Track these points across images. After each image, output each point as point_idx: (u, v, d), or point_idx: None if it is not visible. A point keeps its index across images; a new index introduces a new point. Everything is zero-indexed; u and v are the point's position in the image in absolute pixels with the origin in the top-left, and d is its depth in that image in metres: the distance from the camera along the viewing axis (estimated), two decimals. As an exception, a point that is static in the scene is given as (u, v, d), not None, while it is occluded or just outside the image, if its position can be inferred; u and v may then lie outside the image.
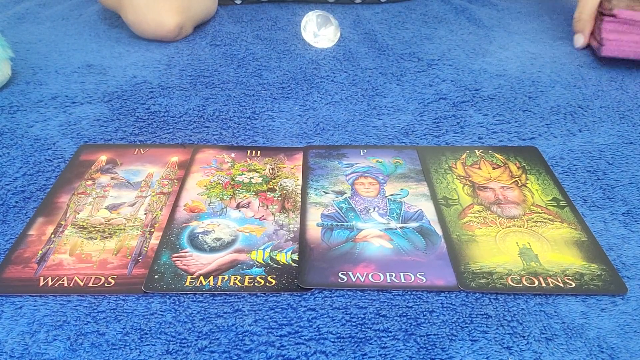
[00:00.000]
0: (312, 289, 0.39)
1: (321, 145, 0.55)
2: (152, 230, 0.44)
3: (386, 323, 0.36)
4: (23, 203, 0.47)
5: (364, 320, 0.37)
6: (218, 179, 0.50)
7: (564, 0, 0.96)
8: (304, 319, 0.37)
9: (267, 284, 0.39)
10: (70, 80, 0.67)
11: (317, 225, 0.44)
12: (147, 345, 0.35)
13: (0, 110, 0.61)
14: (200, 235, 0.43)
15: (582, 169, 0.52)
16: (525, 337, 0.36)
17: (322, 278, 0.39)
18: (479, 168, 0.52)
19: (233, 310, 0.37)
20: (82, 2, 0.92)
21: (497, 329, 0.36)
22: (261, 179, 0.50)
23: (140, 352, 0.34)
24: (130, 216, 0.46)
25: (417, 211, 0.46)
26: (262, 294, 0.39)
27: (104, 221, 0.45)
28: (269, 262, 0.41)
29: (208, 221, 0.45)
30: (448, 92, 0.65)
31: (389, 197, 0.48)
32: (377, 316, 0.37)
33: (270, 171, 0.51)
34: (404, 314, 0.37)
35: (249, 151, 0.54)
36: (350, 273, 0.40)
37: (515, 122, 0.60)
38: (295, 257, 0.41)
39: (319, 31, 0.75)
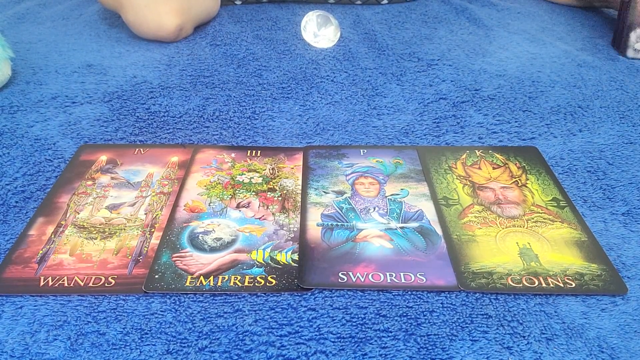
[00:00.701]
0: (312, 289, 0.39)
1: (321, 145, 0.55)
2: (153, 230, 0.44)
3: (386, 323, 0.36)
4: (23, 203, 0.47)
5: (364, 320, 0.37)
6: (218, 179, 0.50)
7: (564, 1, 0.96)
8: (304, 319, 0.37)
9: (268, 284, 0.39)
10: (70, 80, 0.67)
11: (317, 225, 0.44)
12: (148, 345, 0.35)
13: (0, 110, 0.61)
14: (200, 235, 0.43)
15: (582, 169, 0.52)
16: (526, 337, 0.36)
17: (322, 278, 0.39)
18: (479, 168, 0.52)
19: (233, 310, 0.37)
20: (82, 2, 0.92)
21: (497, 329, 0.36)
22: (261, 179, 0.50)
23: (140, 352, 0.34)
24: (131, 216, 0.46)
25: (417, 211, 0.46)
26: (263, 294, 0.39)
27: (104, 221, 0.45)
28: (269, 262, 0.41)
29: (208, 221, 0.45)
30: (448, 92, 0.65)
31: (389, 197, 0.48)
32: (378, 316, 0.37)
33: (271, 171, 0.51)
34: (404, 314, 0.37)
35: (249, 151, 0.54)
36: (350, 273, 0.40)
37: (516, 122, 0.60)
38: (296, 257, 0.41)
39: (319, 31, 0.75)
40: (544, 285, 0.39)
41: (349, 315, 0.37)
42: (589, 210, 0.47)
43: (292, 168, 0.51)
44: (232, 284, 0.39)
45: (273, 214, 0.46)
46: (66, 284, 0.39)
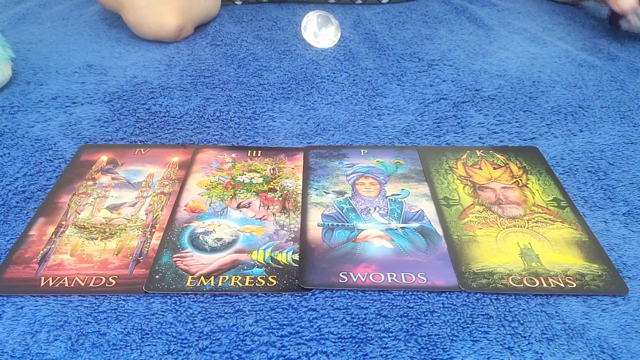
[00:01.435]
0: (313, 289, 0.39)
1: (322, 146, 0.55)
2: (153, 230, 0.44)
3: (387, 323, 0.36)
4: (24, 203, 0.47)
5: (365, 320, 0.37)
6: (219, 179, 0.50)
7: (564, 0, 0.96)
8: (304, 319, 0.37)
9: (268, 284, 0.39)
10: (70, 80, 0.67)
11: (318, 225, 0.44)
12: (148, 345, 0.35)
13: (1, 110, 0.61)
14: (201, 235, 0.43)
15: (583, 169, 0.52)
16: (527, 338, 0.36)
17: (323, 278, 0.39)
18: (480, 168, 0.52)
19: (234, 310, 0.37)
20: (83, 3, 0.92)
21: (498, 329, 0.36)
22: (262, 179, 0.50)
23: (141, 352, 0.34)
24: (131, 216, 0.46)
25: (418, 211, 0.46)
26: (263, 294, 0.39)
27: (105, 221, 0.45)
28: (270, 262, 0.41)
29: (209, 221, 0.45)
30: (449, 93, 0.65)
31: (390, 198, 0.48)
32: (378, 316, 0.37)
33: (271, 171, 0.51)
34: (405, 314, 0.37)
35: (249, 151, 0.54)
36: (351, 273, 0.40)
37: (516, 122, 0.60)
38: (296, 257, 0.41)
39: (319, 31, 0.75)
40: (544, 285, 0.39)
41: (349, 315, 0.37)
42: (590, 211, 0.47)
43: (293, 168, 0.51)
44: (232, 284, 0.39)
45: (274, 214, 0.46)
46: (67, 285, 0.39)
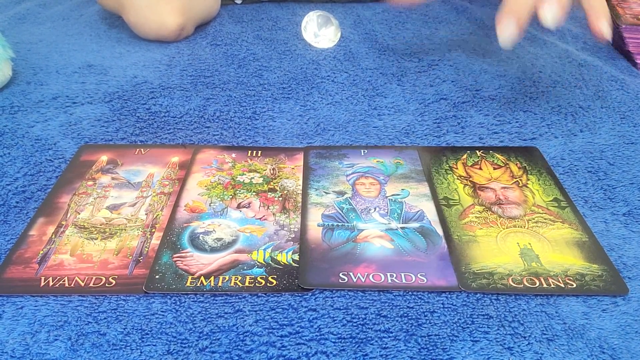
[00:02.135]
0: (313, 289, 0.39)
1: (322, 146, 0.55)
2: (153, 230, 0.44)
3: (387, 323, 0.36)
4: (24, 203, 0.47)
5: (365, 320, 0.37)
6: (219, 179, 0.50)
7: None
8: (304, 320, 0.37)
9: (268, 284, 0.39)
10: (71, 80, 0.67)
11: (318, 225, 0.44)
12: (148, 345, 0.35)
13: (1, 110, 0.61)
14: (201, 235, 0.43)
15: (583, 170, 0.52)
16: (527, 338, 0.36)
17: (323, 278, 0.39)
18: (480, 168, 0.52)
19: (234, 310, 0.37)
20: (83, 2, 0.92)
21: (498, 329, 0.36)
22: (262, 179, 0.50)
23: (141, 352, 0.34)
24: (131, 216, 0.46)
25: (418, 211, 0.46)
26: (263, 294, 0.39)
27: (105, 221, 0.45)
28: (270, 262, 0.41)
29: (209, 221, 0.45)
30: (449, 93, 0.65)
31: (390, 198, 0.48)
32: (378, 316, 0.37)
33: (271, 171, 0.51)
34: (405, 315, 0.37)
35: (249, 151, 0.54)
36: (351, 273, 0.40)
37: (516, 122, 0.60)
38: (296, 257, 0.41)
39: (319, 31, 0.75)
40: (544, 285, 0.39)
41: (349, 315, 0.37)
42: (590, 211, 0.47)
43: (293, 168, 0.51)
44: (232, 284, 0.39)
45: (274, 214, 0.46)
46: (67, 285, 0.39)
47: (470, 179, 0.50)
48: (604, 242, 0.44)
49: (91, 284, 0.39)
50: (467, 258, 0.41)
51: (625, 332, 0.36)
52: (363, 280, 0.39)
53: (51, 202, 0.47)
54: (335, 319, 0.37)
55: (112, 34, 0.80)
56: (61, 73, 0.69)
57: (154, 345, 0.35)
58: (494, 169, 0.52)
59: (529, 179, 0.50)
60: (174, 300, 0.38)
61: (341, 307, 0.38)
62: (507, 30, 0.53)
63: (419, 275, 0.40)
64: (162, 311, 0.37)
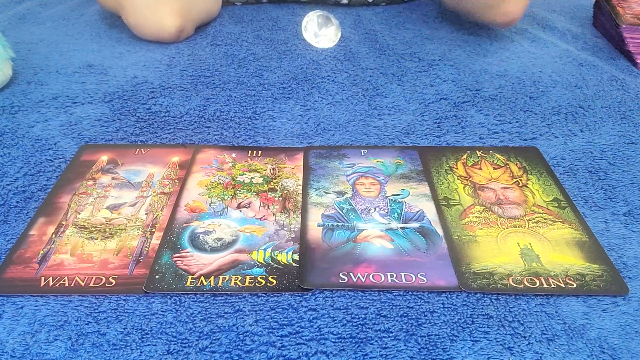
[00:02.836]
0: (313, 289, 0.39)
1: (322, 146, 0.55)
2: (153, 230, 0.44)
3: (387, 323, 0.36)
4: (24, 203, 0.47)
5: (365, 320, 0.37)
6: (219, 179, 0.50)
7: (564, 0, 0.96)
8: (304, 319, 0.37)
9: (268, 284, 0.39)
10: (71, 80, 0.67)
11: (318, 225, 0.44)
12: (148, 345, 0.35)
13: (1, 110, 0.61)
14: (201, 235, 0.43)
15: (583, 169, 0.52)
16: (527, 338, 0.36)
17: (323, 278, 0.39)
18: (480, 168, 0.52)
19: (234, 310, 0.37)
20: (83, 2, 0.92)
21: (498, 329, 0.36)
22: (262, 179, 0.50)
23: (141, 352, 0.34)
24: (131, 216, 0.46)
25: (418, 211, 0.46)
26: (263, 294, 0.39)
27: (105, 221, 0.45)
28: (270, 262, 0.41)
29: (209, 221, 0.45)
30: (449, 92, 0.65)
31: (390, 198, 0.48)
32: (378, 316, 0.37)
33: (271, 171, 0.51)
34: (405, 315, 0.37)
35: (249, 151, 0.54)
36: (351, 273, 0.40)
37: (516, 122, 0.60)
38: (296, 257, 0.41)
39: (319, 31, 0.75)
40: (545, 285, 0.39)
41: (349, 315, 0.37)
42: (590, 211, 0.47)
43: (293, 168, 0.51)
44: (232, 284, 0.39)
45: (274, 214, 0.46)
46: (67, 284, 0.39)
47: (471, 179, 0.50)
48: (604, 242, 0.44)
49: (91, 284, 0.39)
50: (467, 258, 0.41)
51: (625, 332, 0.36)
52: (363, 280, 0.39)
53: (51, 202, 0.47)
54: (335, 318, 0.37)
55: (113, 34, 0.80)
56: (61, 73, 0.69)
57: (154, 345, 0.35)
58: (494, 169, 0.52)
59: (529, 179, 0.50)
60: (174, 300, 0.38)
61: (341, 307, 0.38)
62: None
63: (419, 275, 0.40)
64: (162, 311, 0.37)
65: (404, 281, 0.39)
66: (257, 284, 0.39)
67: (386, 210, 0.46)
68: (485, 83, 0.67)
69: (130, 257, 0.41)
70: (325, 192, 0.48)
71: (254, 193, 0.48)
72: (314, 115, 0.61)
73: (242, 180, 0.50)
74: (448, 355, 0.34)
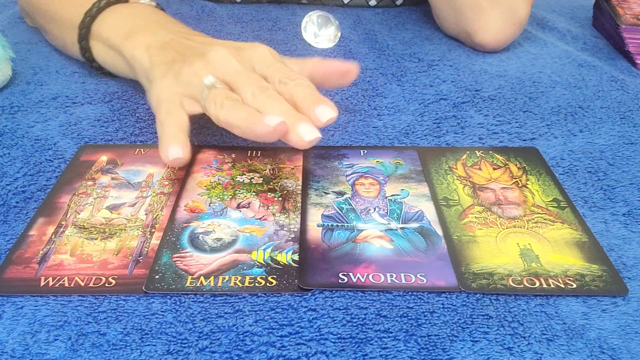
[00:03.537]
0: (312, 289, 0.39)
1: (321, 146, 0.55)
2: (153, 230, 0.44)
3: (387, 324, 0.36)
4: (24, 203, 0.47)
5: (364, 320, 0.37)
6: (218, 179, 0.50)
7: (564, 0, 0.96)
8: (304, 320, 0.37)
9: (268, 284, 0.39)
10: (71, 80, 0.67)
11: (318, 225, 0.44)
12: (148, 345, 0.35)
13: (0, 110, 0.61)
14: (200, 235, 0.43)
15: (583, 170, 0.52)
16: (526, 338, 0.36)
17: (322, 279, 0.39)
18: (480, 169, 0.52)
19: (234, 310, 0.37)
20: (83, 2, 0.91)
21: (498, 329, 0.36)
22: (262, 179, 0.50)
23: (141, 352, 0.34)
24: (131, 216, 0.46)
25: (418, 212, 0.46)
26: (263, 295, 0.39)
27: (105, 221, 0.45)
28: (270, 262, 0.41)
29: (208, 221, 0.45)
30: (448, 93, 0.65)
31: (390, 198, 0.48)
32: (378, 317, 0.37)
33: (271, 172, 0.51)
34: (405, 315, 0.37)
35: (249, 152, 0.54)
36: (350, 274, 0.40)
37: (516, 122, 0.60)
38: (296, 257, 0.41)
39: (319, 31, 0.75)
40: (544, 286, 0.39)
41: (349, 315, 0.37)
42: (590, 211, 0.47)
43: (293, 168, 0.51)
44: (232, 284, 0.39)
45: (273, 214, 0.46)
46: (66, 285, 0.39)
47: (470, 179, 0.50)
48: (604, 242, 0.44)
49: (91, 284, 0.39)
50: (467, 258, 0.41)
51: (625, 332, 0.36)
52: (363, 280, 0.39)
53: (51, 202, 0.47)
54: (335, 319, 0.37)
55: (112, 34, 0.80)
56: (61, 73, 0.69)
57: (153, 345, 0.35)
58: (494, 169, 0.52)
59: (528, 179, 0.50)
60: (174, 300, 0.38)
61: (341, 307, 0.38)
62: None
63: (418, 275, 0.40)
64: (162, 311, 0.37)
65: (403, 281, 0.39)
66: (256, 284, 0.39)
67: (386, 211, 0.46)
68: (484, 83, 0.68)
69: (130, 257, 0.41)
70: (324, 192, 0.48)
71: (254, 193, 0.48)
72: (314, 115, 0.61)
73: (241, 180, 0.50)
74: (448, 355, 0.34)
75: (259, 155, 0.54)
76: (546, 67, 0.71)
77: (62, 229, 0.44)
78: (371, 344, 0.35)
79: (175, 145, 0.47)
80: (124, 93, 0.64)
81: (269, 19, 0.85)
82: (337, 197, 0.48)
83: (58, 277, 0.40)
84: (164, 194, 0.48)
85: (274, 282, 0.39)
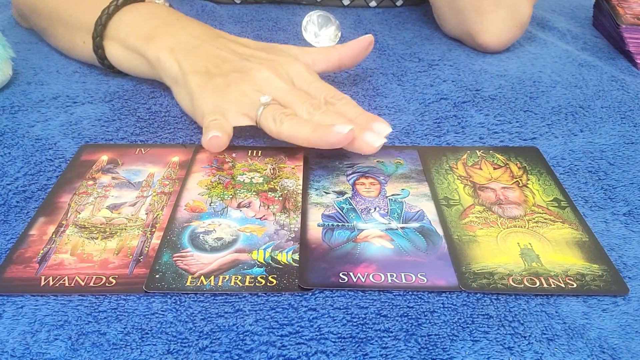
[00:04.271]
0: (313, 289, 0.39)
1: (322, 146, 0.55)
2: (153, 230, 0.44)
3: (387, 323, 0.36)
4: (24, 203, 0.47)
5: (365, 320, 0.37)
6: (219, 178, 0.50)
7: (564, 0, 0.96)
8: (304, 319, 0.37)
9: (268, 283, 0.39)
10: (71, 80, 0.67)
11: (318, 225, 0.44)
12: (148, 345, 0.35)
13: (1, 110, 0.61)
14: (201, 235, 0.43)
15: (583, 169, 0.52)
16: (527, 338, 0.36)
17: (323, 278, 0.39)
18: (480, 168, 0.52)
19: (234, 310, 0.37)
20: (83, 2, 0.91)
21: (498, 329, 0.36)
22: (262, 179, 0.50)
23: (141, 351, 0.34)
24: (132, 216, 0.46)
25: (418, 211, 0.46)
26: (263, 294, 0.39)
27: (105, 221, 0.45)
28: (270, 262, 0.41)
29: (209, 221, 0.45)
30: (449, 92, 0.65)
31: (390, 198, 0.48)
32: (378, 316, 0.37)
33: (271, 171, 0.51)
34: (405, 314, 0.37)
35: (249, 151, 0.54)
36: (351, 273, 0.40)
37: (517, 122, 0.60)
38: (296, 257, 0.41)
39: (319, 31, 0.75)
40: (545, 285, 0.39)
41: (349, 315, 0.37)
42: (590, 211, 0.47)
43: (293, 168, 0.51)
44: (232, 283, 0.39)
45: (274, 214, 0.46)
46: (67, 284, 0.39)
47: (471, 179, 0.50)
48: (604, 242, 0.44)
49: (91, 284, 0.39)
50: (468, 258, 0.41)
51: (625, 332, 0.36)
52: (363, 280, 0.39)
53: (51, 201, 0.47)
54: (335, 318, 0.37)
55: (113, 33, 0.80)
56: (62, 73, 0.69)
57: (154, 344, 0.35)
58: (494, 169, 0.52)
59: (529, 179, 0.50)
60: (174, 299, 0.38)
61: (341, 307, 0.38)
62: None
63: (419, 275, 0.40)
64: (162, 311, 0.37)
65: (404, 281, 0.39)
66: (257, 284, 0.39)
67: (386, 210, 0.46)
68: (485, 83, 0.68)
69: (131, 257, 0.41)
70: (325, 192, 0.48)
71: (254, 193, 0.48)
72: (314, 115, 0.61)
73: (242, 180, 0.50)
74: (448, 355, 0.34)
75: (259, 154, 0.54)
76: (546, 67, 0.71)
77: (62, 229, 0.44)
78: (371, 344, 0.35)
79: (215, 130, 0.50)
80: (124, 93, 0.64)
81: (269, 19, 0.85)
82: (337, 197, 0.48)
83: (58, 277, 0.40)
84: (164, 193, 0.48)
85: (275, 281, 0.39)
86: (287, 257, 0.41)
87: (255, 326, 0.36)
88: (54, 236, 0.43)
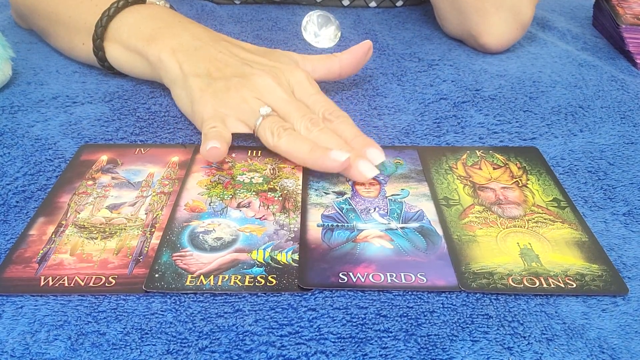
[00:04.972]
0: (312, 289, 0.39)
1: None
2: (153, 230, 0.44)
3: (387, 323, 0.36)
4: (24, 203, 0.47)
5: (364, 320, 0.37)
6: (219, 178, 0.50)
7: (564, 0, 0.96)
8: (304, 319, 0.37)
9: (268, 283, 0.39)
10: (71, 80, 0.67)
11: (318, 225, 0.44)
12: (148, 345, 0.35)
13: (1, 110, 0.61)
14: (200, 234, 0.43)
15: (583, 170, 0.52)
16: (526, 338, 0.36)
17: (322, 278, 0.39)
18: (480, 168, 0.52)
19: (233, 310, 0.37)
20: (83, 2, 0.91)
21: (497, 329, 0.36)
22: (262, 179, 0.50)
23: (140, 351, 0.34)
24: (131, 216, 0.46)
25: (418, 211, 0.46)
26: (263, 294, 0.39)
27: (105, 221, 0.45)
28: (270, 261, 0.41)
29: (209, 221, 0.45)
30: (449, 92, 0.65)
31: (390, 198, 0.48)
32: (378, 316, 0.37)
33: (271, 171, 0.51)
34: (405, 314, 0.37)
35: (249, 151, 0.54)
36: (350, 273, 0.40)
37: (516, 122, 0.60)
38: (296, 257, 0.41)
39: (319, 31, 0.75)
40: (544, 285, 0.39)
41: (349, 315, 0.37)
42: (590, 211, 0.47)
43: (293, 168, 0.51)
44: (232, 283, 0.39)
45: (273, 214, 0.46)
46: (66, 284, 0.39)
47: (470, 179, 0.50)
48: (604, 242, 0.44)
49: (91, 284, 0.39)
50: (467, 258, 0.41)
51: (625, 332, 0.36)
52: (363, 280, 0.39)
53: (51, 201, 0.47)
54: (334, 318, 0.37)
55: (112, 33, 0.80)
56: (61, 73, 0.69)
57: (153, 344, 0.35)
58: (494, 169, 0.52)
59: (528, 179, 0.50)
60: (174, 299, 0.38)
61: (341, 307, 0.38)
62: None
63: (418, 275, 0.40)
64: (161, 311, 0.37)
65: (403, 281, 0.39)
66: (256, 284, 0.39)
67: (386, 210, 0.46)
68: (485, 83, 0.68)
69: (130, 257, 0.41)
70: (324, 192, 0.48)
71: (254, 193, 0.48)
72: (314, 115, 0.61)
73: (241, 180, 0.50)
74: (448, 355, 0.34)
75: (259, 154, 0.54)
76: (546, 67, 0.71)
77: (62, 229, 0.44)
78: (371, 344, 0.35)
79: (214, 140, 0.49)
80: (124, 93, 0.64)
81: (269, 19, 0.85)
82: (337, 197, 0.48)
83: (58, 277, 0.40)
84: (164, 193, 0.48)
85: (274, 281, 0.39)
86: (286, 257, 0.41)
87: (255, 326, 0.36)
88: (53, 236, 0.43)
